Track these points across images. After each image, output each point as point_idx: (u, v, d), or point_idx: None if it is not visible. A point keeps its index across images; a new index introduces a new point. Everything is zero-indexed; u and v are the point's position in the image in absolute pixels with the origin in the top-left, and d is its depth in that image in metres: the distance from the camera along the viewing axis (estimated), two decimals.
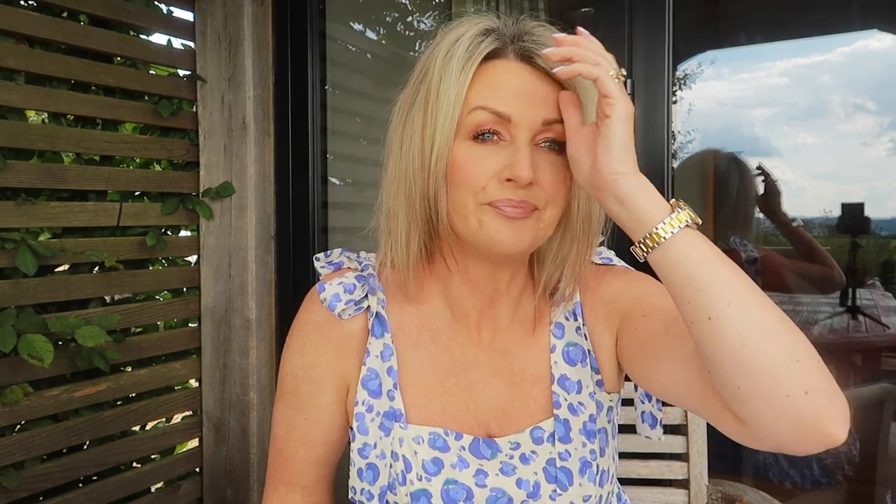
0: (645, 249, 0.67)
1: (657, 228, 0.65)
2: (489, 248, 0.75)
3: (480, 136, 0.74)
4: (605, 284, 0.87)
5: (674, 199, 0.68)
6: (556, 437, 0.81)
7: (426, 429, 0.81)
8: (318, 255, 0.92)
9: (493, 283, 0.82)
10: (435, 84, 0.74)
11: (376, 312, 0.84)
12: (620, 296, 0.85)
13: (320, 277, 0.90)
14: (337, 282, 0.85)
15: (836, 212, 2.04)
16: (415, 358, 0.84)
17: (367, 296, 0.85)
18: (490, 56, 0.75)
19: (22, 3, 1.59)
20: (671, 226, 0.65)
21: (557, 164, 0.75)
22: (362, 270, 0.87)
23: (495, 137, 0.74)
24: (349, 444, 0.87)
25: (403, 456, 0.80)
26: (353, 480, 0.83)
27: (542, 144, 0.75)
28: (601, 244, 0.93)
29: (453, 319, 0.85)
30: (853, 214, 2.00)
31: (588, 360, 0.85)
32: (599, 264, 0.91)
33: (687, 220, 0.66)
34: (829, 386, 0.61)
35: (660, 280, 0.69)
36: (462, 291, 0.83)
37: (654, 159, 1.54)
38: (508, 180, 0.72)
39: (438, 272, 0.84)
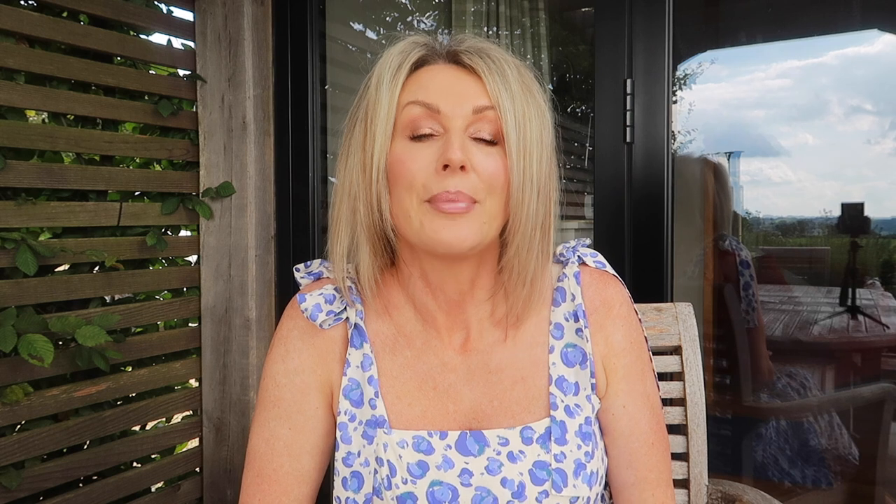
0: None
1: None
2: (434, 248, 0.76)
3: (416, 137, 0.77)
4: (612, 321, 0.88)
5: None
6: (552, 438, 0.82)
7: (410, 433, 0.82)
8: (297, 266, 0.94)
9: (454, 284, 0.82)
10: (372, 94, 0.79)
11: (355, 324, 0.86)
12: (619, 355, 0.87)
13: (301, 288, 0.92)
14: (317, 293, 0.87)
15: (836, 212, 2.04)
16: (392, 364, 0.85)
17: (346, 308, 0.87)
18: (421, 64, 0.80)
19: (22, 3, 1.59)
20: None
21: (493, 155, 0.76)
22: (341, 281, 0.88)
23: (431, 134, 0.77)
24: (333, 455, 0.86)
25: (388, 461, 0.80)
26: (338, 490, 0.84)
27: (478, 136, 0.77)
28: (588, 246, 0.94)
29: (425, 324, 0.86)
30: (853, 214, 2.00)
31: (588, 362, 0.85)
32: (595, 268, 0.91)
33: None
34: None
35: None
36: (425, 296, 0.84)
37: (654, 159, 1.54)
38: (445, 167, 0.74)
39: (403, 280, 0.86)
